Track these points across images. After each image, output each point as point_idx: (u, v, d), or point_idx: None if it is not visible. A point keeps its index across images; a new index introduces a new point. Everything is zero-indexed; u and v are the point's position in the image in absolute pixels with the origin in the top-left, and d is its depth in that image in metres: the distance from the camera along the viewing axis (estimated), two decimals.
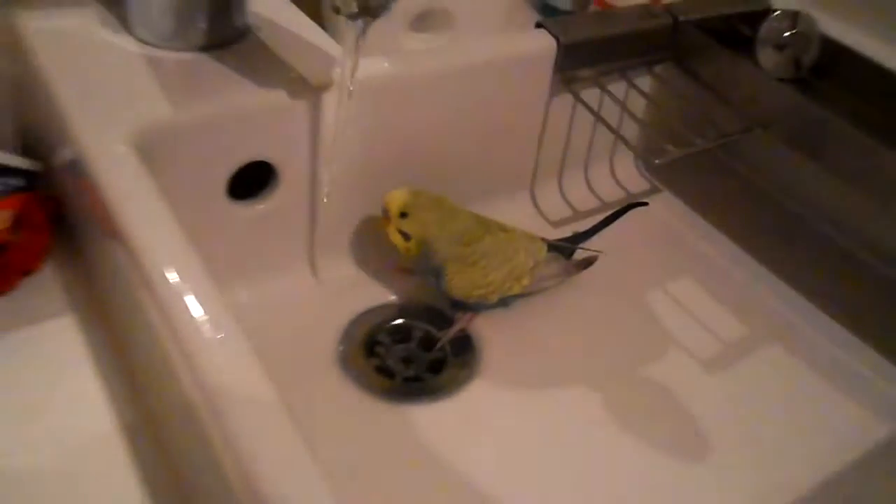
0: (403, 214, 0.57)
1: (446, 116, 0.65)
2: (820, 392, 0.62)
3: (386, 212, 0.58)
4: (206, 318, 0.39)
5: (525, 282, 0.60)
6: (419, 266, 0.60)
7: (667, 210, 0.78)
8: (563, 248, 0.65)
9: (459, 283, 0.58)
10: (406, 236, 0.58)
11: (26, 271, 0.55)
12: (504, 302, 0.61)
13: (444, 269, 0.58)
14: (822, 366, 0.64)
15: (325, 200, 0.60)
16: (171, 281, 0.40)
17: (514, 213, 0.71)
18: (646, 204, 0.70)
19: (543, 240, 0.63)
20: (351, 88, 0.52)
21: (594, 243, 0.67)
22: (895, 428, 0.59)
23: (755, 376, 0.63)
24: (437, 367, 0.60)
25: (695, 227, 0.77)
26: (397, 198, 0.57)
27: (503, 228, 0.61)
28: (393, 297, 0.65)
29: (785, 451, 0.57)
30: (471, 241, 0.58)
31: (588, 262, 0.65)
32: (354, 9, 0.46)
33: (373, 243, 0.65)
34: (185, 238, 0.42)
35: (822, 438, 0.58)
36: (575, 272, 0.65)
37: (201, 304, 0.39)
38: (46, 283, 0.54)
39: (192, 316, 0.39)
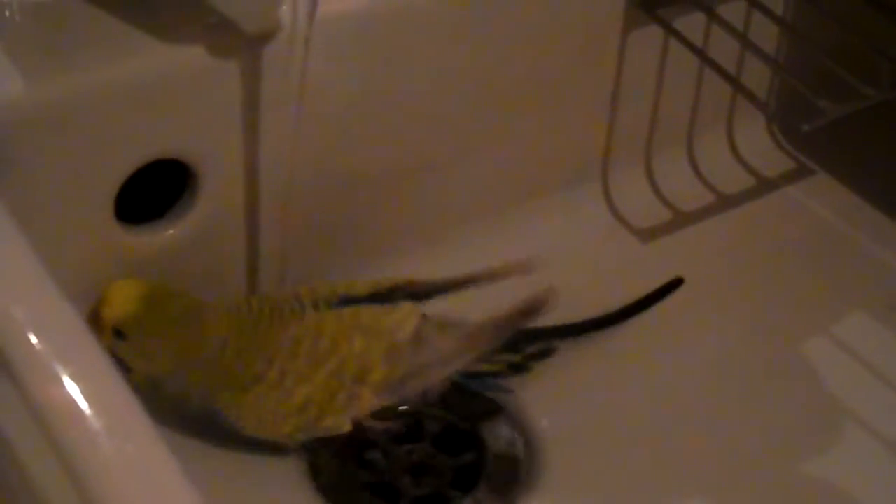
0: (119, 333, 0.45)
1: (464, 69, 0.57)
2: None
3: (96, 315, 0.45)
4: (108, 428, 0.31)
5: (377, 376, 0.48)
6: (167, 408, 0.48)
7: (822, 201, 0.66)
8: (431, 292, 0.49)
9: (252, 414, 0.48)
10: (125, 366, 0.47)
11: None
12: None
13: (215, 405, 0.47)
14: None
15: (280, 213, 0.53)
16: (44, 373, 0.32)
17: (577, 217, 0.63)
18: (681, 282, 0.58)
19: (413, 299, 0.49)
20: (308, 35, 0.47)
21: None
22: None
23: None
24: (469, 478, 0.51)
25: (869, 227, 0.65)
26: (116, 301, 0.45)
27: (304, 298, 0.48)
28: None
29: None
30: (245, 348, 0.48)
31: (537, 305, 0.48)
32: None
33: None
34: (58, 293, 0.34)
35: None
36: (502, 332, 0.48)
37: (100, 408, 0.31)
38: None
39: (86, 428, 0.31)
